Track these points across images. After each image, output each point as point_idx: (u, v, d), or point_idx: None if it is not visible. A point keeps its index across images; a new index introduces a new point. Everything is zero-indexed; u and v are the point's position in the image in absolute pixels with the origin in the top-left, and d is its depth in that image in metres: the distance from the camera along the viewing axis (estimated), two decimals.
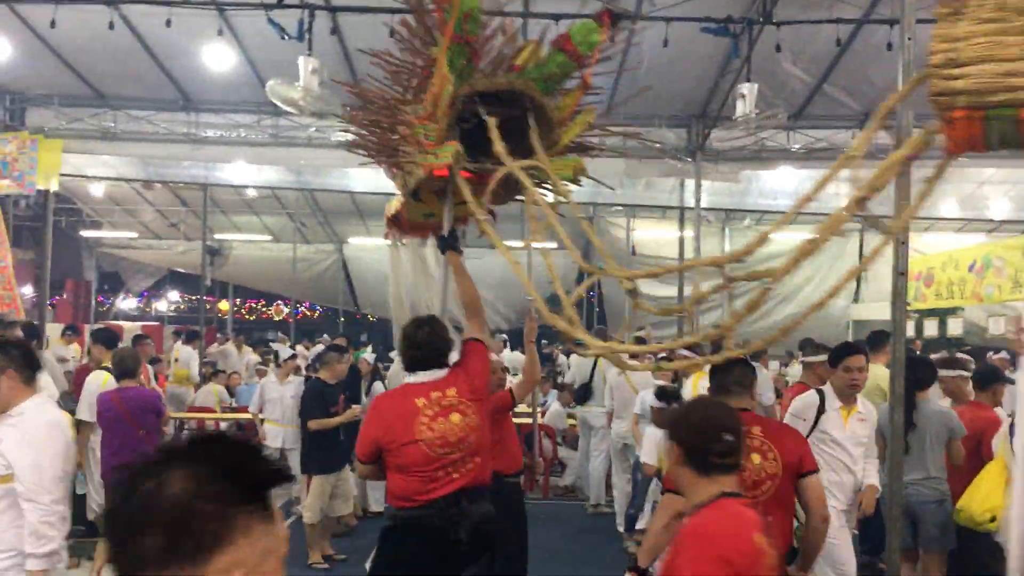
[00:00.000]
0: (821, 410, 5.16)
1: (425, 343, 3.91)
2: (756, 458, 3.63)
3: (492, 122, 3.92)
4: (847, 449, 5.17)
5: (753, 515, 2.42)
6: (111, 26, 9.02)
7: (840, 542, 4.97)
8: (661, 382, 7.34)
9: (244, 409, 11.27)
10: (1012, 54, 2.43)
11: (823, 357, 6.12)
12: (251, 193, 17.27)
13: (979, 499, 5.16)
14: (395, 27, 3.99)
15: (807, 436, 4.83)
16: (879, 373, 6.27)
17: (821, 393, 5.25)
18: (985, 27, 2.50)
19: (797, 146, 11.51)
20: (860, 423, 5.23)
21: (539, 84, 4.14)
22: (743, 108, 8.96)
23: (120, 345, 7.58)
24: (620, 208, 16.54)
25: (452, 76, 3.85)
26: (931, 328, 15.55)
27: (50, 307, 15.98)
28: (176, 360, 13.02)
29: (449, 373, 3.90)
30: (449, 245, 4.37)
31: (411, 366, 3.93)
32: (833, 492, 4.93)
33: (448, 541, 3.66)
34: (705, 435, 2.59)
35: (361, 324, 28.21)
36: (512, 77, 4.04)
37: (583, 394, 9.51)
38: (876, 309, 17.43)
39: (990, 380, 6.15)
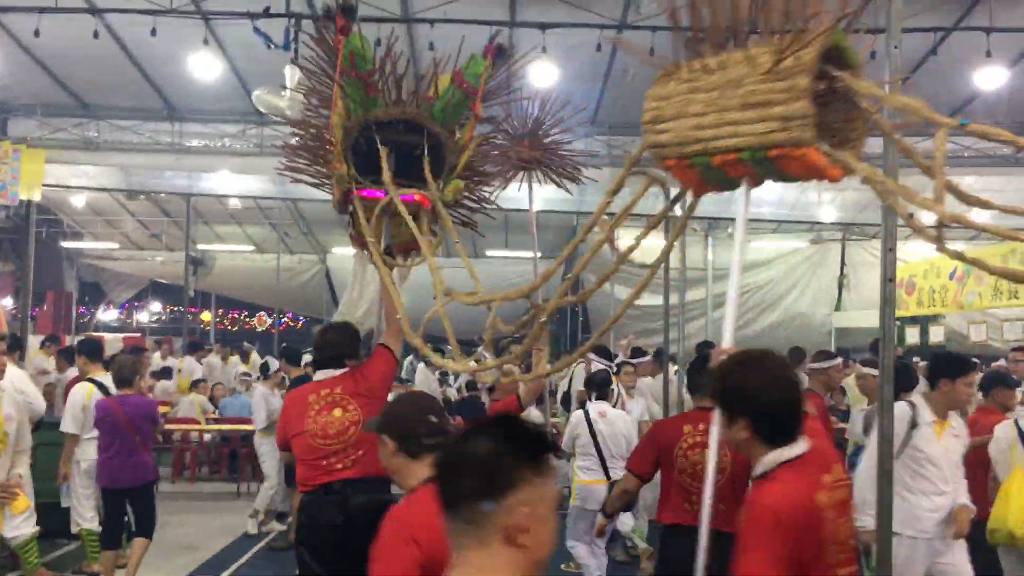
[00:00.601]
0: (913, 424, 4.78)
1: (325, 346, 4.37)
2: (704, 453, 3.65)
3: (384, 151, 4.19)
4: (941, 468, 4.76)
5: None
6: (95, 35, 9.00)
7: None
8: None
9: (229, 420, 11.20)
10: (698, 110, 2.78)
11: (834, 363, 6.08)
12: (234, 203, 17.21)
13: (1016, 513, 4.87)
14: (301, 63, 4.17)
15: (897, 455, 4.37)
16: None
17: (913, 405, 4.83)
18: (682, 87, 2.86)
19: None
20: (954, 439, 4.84)
21: (438, 114, 4.34)
22: None
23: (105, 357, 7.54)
24: (604, 217, 16.59)
25: (351, 105, 4.19)
26: (913, 336, 15.68)
27: (30, 319, 15.83)
28: (180, 371, 13.05)
29: (344, 373, 4.25)
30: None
31: (315, 365, 4.49)
32: (923, 517, 4.69)
33: (325, 524, 3.99)
34: (413, 420, 2.76)
35: None
36: (411, 107, 4.26)
37: (566, 401, 9.53)
38: (858, 317, 17.57)
39: (991, 385, 6.00)
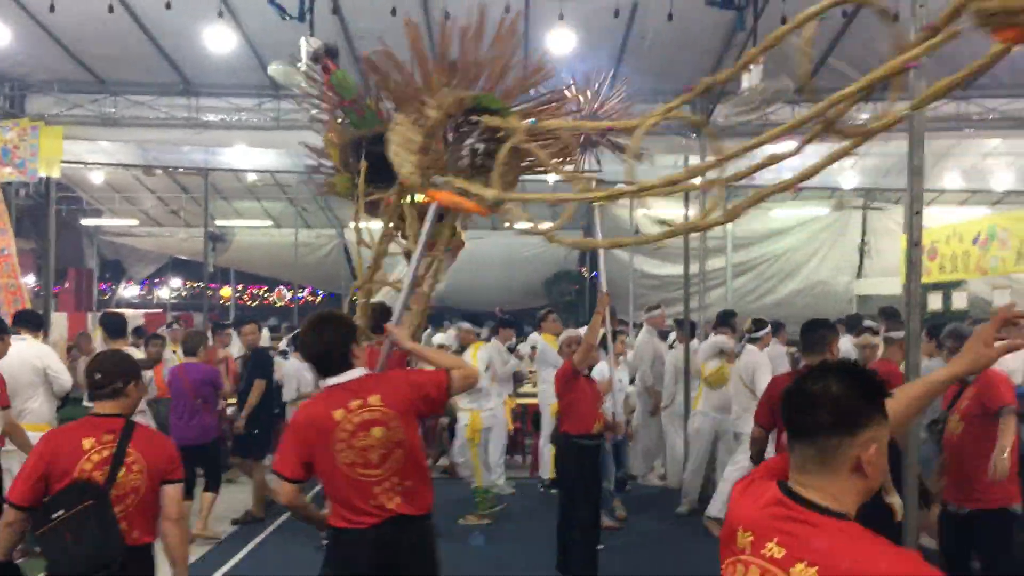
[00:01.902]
0: None
1: (324, 348, 3.57)
2: None
3: (363, 165, 4.35)
4: None
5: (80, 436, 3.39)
6: (110, 9, 8.96)
7: None
8: None
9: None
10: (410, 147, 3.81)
11: None
12: (251, 178, 17.22)
13: None
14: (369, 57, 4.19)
15: None
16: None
17: None
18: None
19: None
20: None
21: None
22: (749, 82, 8.89)
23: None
24: (623, 186, 16.47)
25: (348, 126, 4.52)
26: (935, 302, 15.53)
27: (53, 296, 15.96)
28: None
29: (370, 375, 3.59)
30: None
31: (320, 373, 3.63)
32: None
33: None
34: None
35: None
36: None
37: None
38: (880, 284, 17.43)
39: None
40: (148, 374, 7.55)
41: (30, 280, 15.51)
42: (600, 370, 7.72)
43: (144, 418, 6.74)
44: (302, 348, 3.80)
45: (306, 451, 3.42)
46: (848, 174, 15.33)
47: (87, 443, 3.37)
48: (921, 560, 1.68)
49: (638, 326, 11.81)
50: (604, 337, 6.54)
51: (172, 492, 3.51)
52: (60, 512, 3.25)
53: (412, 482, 3.47)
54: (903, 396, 2.27)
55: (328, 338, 3.53)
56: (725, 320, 8.54)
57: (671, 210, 16.36)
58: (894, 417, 1.97)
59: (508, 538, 7.57)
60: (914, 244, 4.28)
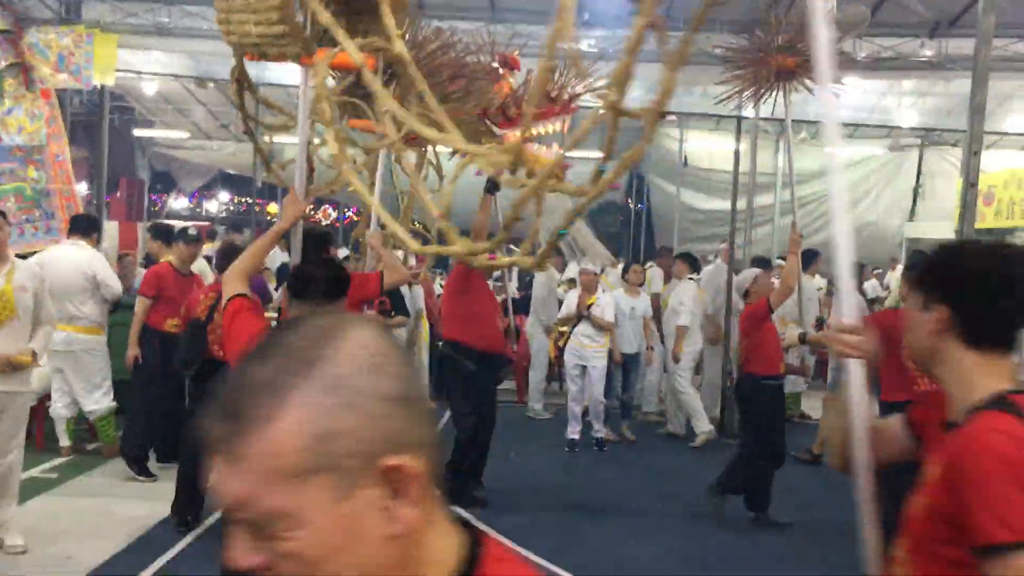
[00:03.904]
0: None
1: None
2: None
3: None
4: None
5: None
6: None
7: None
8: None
9: None
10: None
11: None
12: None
13: None
14: None
15: None
16: None
17: None
18: None
19: (863, 55, 11.11)
20: None
21: None
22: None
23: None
24: (672, 117, 16.21)
25: None
26: None
27: (105, 205, 16.26)
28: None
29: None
30: (489, 189, 5.80)
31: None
32: None
33: None
34: None
35: None
36: None
37: None
38: (931, 228, 17.06)
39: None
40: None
41: (82, 188, 15.78)
42: (610, 301, 7.97)
43: None
44: None
45: None
46: (907, 112, 14.91)
47: None
48: None
49: (679, 257, 11.75)
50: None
51: None
52: None
53: None
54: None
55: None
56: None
57: (717, 142, 16.08)
58: None
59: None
60: (971, 185, 4.22)
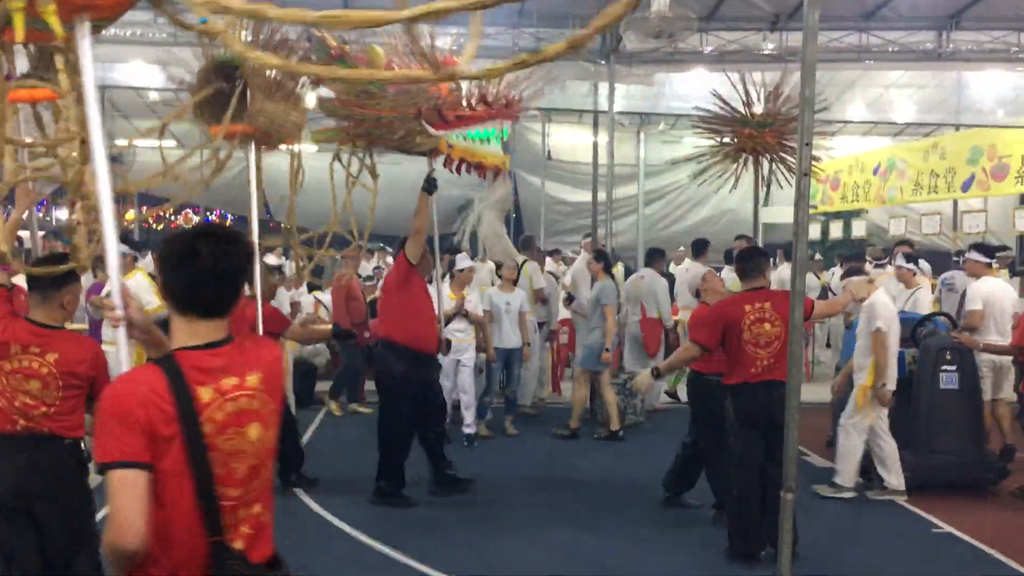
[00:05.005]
0: None
1: None
2: (767, 326, 5.16)
3: None
4: None
5: None
6: None
7: None
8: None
9: None
10: None
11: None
12: (153, 96, 16.49)
13: None
14: None
15: None
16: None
17: None
18: None
19: (710, 48, 11.50)
20: None
21: None
22: (657, 6, 8.88)
23: None
24: (536, 112, 16.39)
25: None
26: (836, 230, 16.03)
27: None
28: None
29: None
30: (427, 189, 6.00)
31: None
32: None
33: None
34: None
35: (274, 233, 27.58)
36: None
37: None
38: (783, 213, 17.84)
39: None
40: None
41: None
42: (478, 298, 8.06)
43: None
44: None
45: None
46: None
47: None
48: None
49: (548, 252, 11.88)
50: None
51: None
52: None
53: None
54: None
55: None
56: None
57: (579, 136, 16.36)
58: None
59: None
60: (803, 175, 4.41)
